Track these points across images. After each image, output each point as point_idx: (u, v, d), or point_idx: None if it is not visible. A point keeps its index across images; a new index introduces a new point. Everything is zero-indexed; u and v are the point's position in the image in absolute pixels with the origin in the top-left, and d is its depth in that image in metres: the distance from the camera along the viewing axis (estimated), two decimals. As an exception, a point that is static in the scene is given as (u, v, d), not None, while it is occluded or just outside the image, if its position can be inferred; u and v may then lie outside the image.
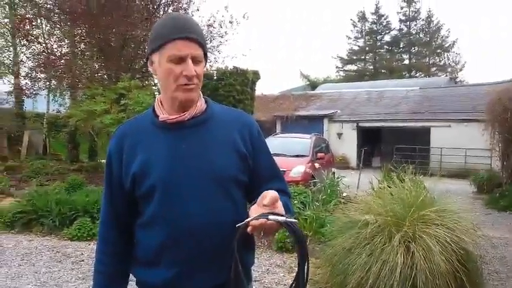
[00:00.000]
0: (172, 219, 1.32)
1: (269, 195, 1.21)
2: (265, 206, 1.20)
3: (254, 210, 1.22)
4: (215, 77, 12.95)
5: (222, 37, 13.42)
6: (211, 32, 13.17)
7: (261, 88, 27.43)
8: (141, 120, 1.46)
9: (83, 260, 5.23)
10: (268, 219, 1.17)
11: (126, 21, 10.89)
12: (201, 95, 1.44)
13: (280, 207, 1.22)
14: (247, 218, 1.24)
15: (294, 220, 1.22)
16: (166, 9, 12.57)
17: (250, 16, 15.97)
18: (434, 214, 3.69)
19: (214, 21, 13.12)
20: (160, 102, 1.42)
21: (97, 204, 6.67)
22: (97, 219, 6.41)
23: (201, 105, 1.41)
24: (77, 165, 12.17)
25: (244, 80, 13.26)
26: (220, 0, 13.91)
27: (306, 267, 1.26)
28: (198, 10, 14.67)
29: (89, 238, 6.08)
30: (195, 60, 1.32)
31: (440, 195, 4.31)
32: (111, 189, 1.43)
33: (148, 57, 1.40)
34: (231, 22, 13.28)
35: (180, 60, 1.30)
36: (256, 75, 13.99)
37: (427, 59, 42.62)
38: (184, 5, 13.09)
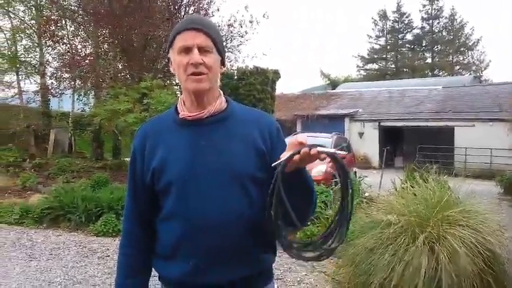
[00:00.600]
0: (189, 215, 1.35)
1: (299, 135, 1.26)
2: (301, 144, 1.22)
3: (283, 155, 1.24)
4: (235, 77, 13.00)
5: (242, 37, 13.45)
6: (231, 32, 13.22)
7: (282, 87, 27.45)
8: (164, 119, 1.51)
9: (108, 256, 5.36)
10: (319, 151, 1.20)
11: (148, 22, 11.03)
12: (222, 94, 1.48)
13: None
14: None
15: (342, 152, 1.27)
16: (187, 9, 12.67)
17: (270, 15, 15.99)
18: (459, 215, 3.65)
19: (234, 21, 13.16)
20: (183, 100, 1.46)
21: (121, 201, 6.80)
22: (121, 216, 6.51)
23: (220, 103, 1.44)
24: (102, 163, 12.38)
25: (265, 79, 13.27)
26: (240, 0, 13.92)
27: (350, 202, 1.28)
28: (218, 10, 14.78)
29: (114, 234, 6.22)
30: (203, 50, 1.36)
31: (465, 195, 4.26)
32: (134, 186, 1.48)
33: (169, 58, 1.46)
34: (251, 22, 13.30)
35: (187, 50, 1.35)
36: (276, 74, 13.98)
37: (451, 57, 41.83)
38: (205, 6, 13.18)
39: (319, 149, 1.20)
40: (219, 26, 13.04)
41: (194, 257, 1.35)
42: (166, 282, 1.46)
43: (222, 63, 1.44)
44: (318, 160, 1.29)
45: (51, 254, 5.40)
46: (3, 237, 6.17)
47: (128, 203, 1.51)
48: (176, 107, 1.47)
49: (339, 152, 1.24)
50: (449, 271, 3.14)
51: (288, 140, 1.27)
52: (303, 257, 1.31)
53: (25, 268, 4.86)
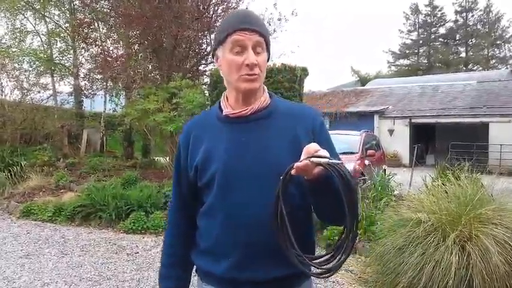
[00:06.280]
0: (227, 210, 1.35)
1: (311, 144, 1.20)
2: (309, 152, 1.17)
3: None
4: (263, 75, 12.96)
5: (270, 35, 13.40)
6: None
7: (310, 85, 27.25)
8: (208, 115, 1.51)
9: (137, 252, 5.46)
10: (311, 161, 1.13)
11: (177, 22, 11.15)
12: (266, 89, 1.46)
13: (324, 153, 1.16)
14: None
15: (338, 161, 1.14)
16: (216, 8, 12.73)
17: (299, 12, 15.82)
18: (492, 213, 3.53)
19: (263, 19, 13.12)
20: (226, 97, 1.45)
21: (150, 199, 6.93)
22: (150, 214, 6.66)
23: (264, 100, 1.42)
24: (132, 162, 12.59)
25: (292, 76, 13.12)
26: (268, -2, 13.85)
27: (354, 221, 1.16)
28: (247, 9, 14.78)
29: (142, 231, 6.33)
30: (256, 51, 1.34)
31: (499, 193, 4.11)
32: (179, 180, 1.51)
33: (214, 53, 1.44)
34: (279, 19, 13.24)
35: (242, 50, 1.33)
36: (304, 71, 13.81)
37: (486, 51, 40.49)
38: (234, 4, 13.20)
39: (313, 159, 1.13)
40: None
41: (233, 252, 1.35)
42: (206, 276, 1.46)
43: (268, 59, 1.43)
44: (346, 157, 1.24)
45: (83, 251, 5.54)
46: (37, 234, 6.38)
47: (174, 196, 1.56)
48: (220, 104, 1.47)
49: (334, 160, 1.14)
50: (481, 271, 3.04)
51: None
52: (307, 272, 1.31)
53: (57, 264, 5.01)
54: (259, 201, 1.32)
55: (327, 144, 1.35)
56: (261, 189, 1.32)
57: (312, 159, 1.13)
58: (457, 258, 3.20)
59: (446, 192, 4.03)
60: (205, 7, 12.52)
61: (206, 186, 1.40)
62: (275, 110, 1.42)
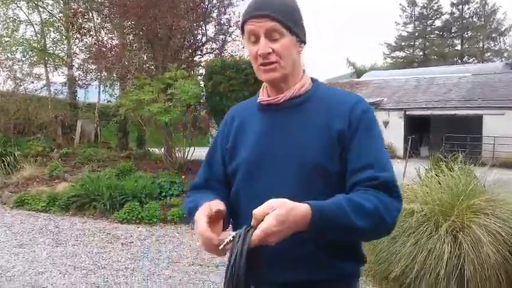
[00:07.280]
0: (249, 198, 1.26)
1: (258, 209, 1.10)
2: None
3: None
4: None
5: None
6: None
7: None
8: (250, 102, 1.47)
9: (132, 242, 5.47)
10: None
11: (172, 13, 11.07)
12: (306, 74, 1.39)
13: (265, 219, 1.05)
14: None
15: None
16: (211, -1, 12.64)
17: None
18: (484, 203, 3.56)
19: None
20: (266, 85, 1.41)
21: (145, 189, 6.94)
22: (145, 204, 6.67)
23: (302, 86, 1.34)
24: (126, 152, 12.57)
25: (288, 68, 13.14)
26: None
27: None
28: (243, 0, 14.66)
29: (137, 221, 6.35)
30: (271, 37, 1.26)
31: (492, 184, 4.14)
32: (212, 158, 1.47)
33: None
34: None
35: (256, 39, 1.27)
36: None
37: (481, 43, 40.55)
38: (230, -4, 13.08)
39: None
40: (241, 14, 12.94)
41: None
42: None
43: (302, 41, 1.33)
44: None
45: (77, 240, 5.55)
46: (31, 223, 6.38)
47: (200, 175, 1.49)
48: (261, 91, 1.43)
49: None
50: (473, 260, 3.07)
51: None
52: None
53: (51, 253, 5.02)
54: (281, 191, 1.17)
55: (363, 131, 1.27)
56: (282, 180, 1.24)
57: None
58: (449, 247, 3.24)
59: (440, 183, 4.06)
60: (200, -2, 12.43)
61: (233, 174, 1.37)
62: (312, 96, 1.34)
